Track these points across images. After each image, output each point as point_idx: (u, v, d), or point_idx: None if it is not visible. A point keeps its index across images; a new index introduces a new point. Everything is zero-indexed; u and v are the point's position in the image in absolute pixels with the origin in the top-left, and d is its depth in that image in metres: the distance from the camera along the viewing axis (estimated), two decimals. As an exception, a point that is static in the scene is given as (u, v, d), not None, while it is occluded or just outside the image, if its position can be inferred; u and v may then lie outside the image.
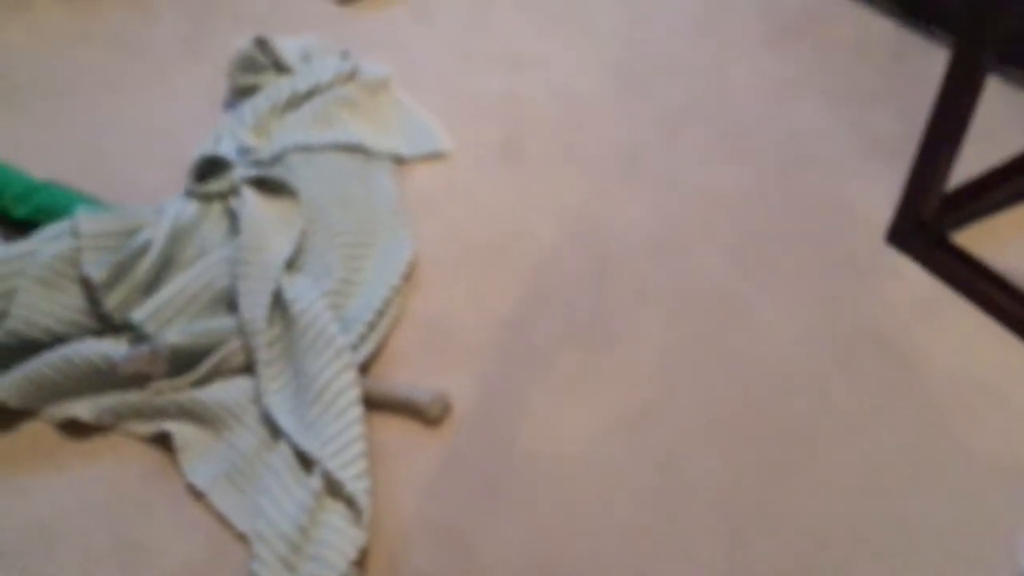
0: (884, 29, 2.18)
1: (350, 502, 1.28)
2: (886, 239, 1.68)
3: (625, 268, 1.65)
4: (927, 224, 1.63)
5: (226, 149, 1.74)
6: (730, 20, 2.22)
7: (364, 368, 1.47)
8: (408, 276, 1.62)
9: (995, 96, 1.96)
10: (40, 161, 1.80)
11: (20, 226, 1.64)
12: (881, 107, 1.97)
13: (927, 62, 2.08)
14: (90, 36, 2.09)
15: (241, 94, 1.89)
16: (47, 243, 1.51)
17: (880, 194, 1.77)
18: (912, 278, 1.62)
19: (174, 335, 1.43)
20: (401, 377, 1.48)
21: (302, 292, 1.50)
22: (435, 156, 1.86)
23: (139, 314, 1.45)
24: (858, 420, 1.42)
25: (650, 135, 1.92)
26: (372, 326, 1.52)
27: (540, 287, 1.62)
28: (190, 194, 1.65)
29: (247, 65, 1.88)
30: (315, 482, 1.28)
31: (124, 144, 1.84)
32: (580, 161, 1.86)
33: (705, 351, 1.52)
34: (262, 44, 1.89)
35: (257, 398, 1.42)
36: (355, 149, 1.78)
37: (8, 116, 1.89)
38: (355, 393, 1.39)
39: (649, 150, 1.88)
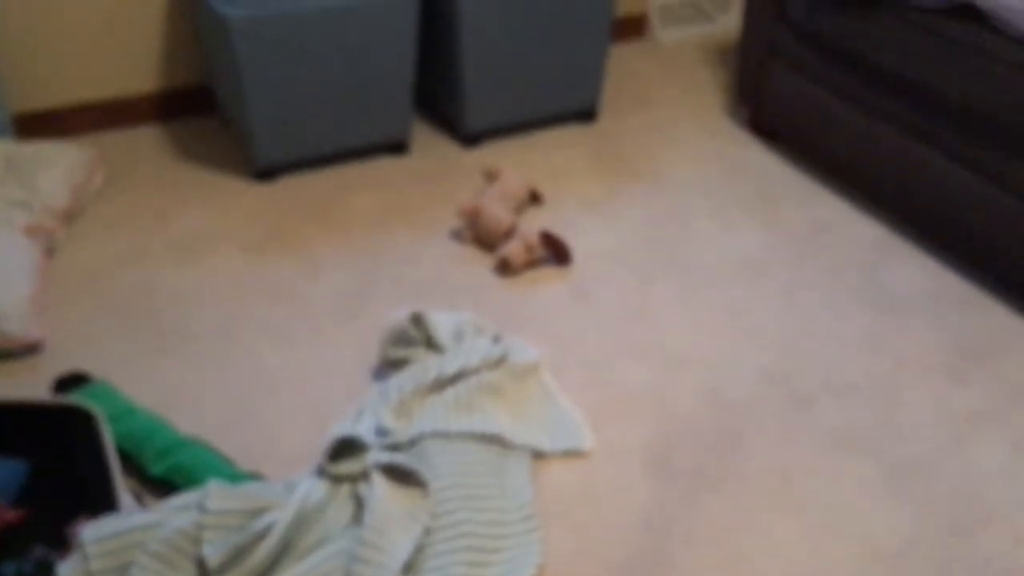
0: (1082, 365, 2.00)
1: None
2: (1084, 633, 1.45)
3: (770, 621, 1.48)
4: None
5: (365, 427, 1.71)
6: (905, 339, 2.08)
7: None
8: (530, 592, 1.51)
9: None
10: (190, 409, 1.82)
11: (154, 483, 1.65)
12: (1079, 463, 1.77)
13: None
14: (258, 285, 2.17)
15: (391, 366, 1.88)
16: (174, 514, 1.49)
17: (1076, 569, 1.55)
18: None
19: (274, 638, 1.35)
20: None
21: (414, 605, 1.41)
22: (575, 453, 1.77)
23: (245, 609, 1.39)
24: None
25: (810, 461, 1.77)
26: (483, 653, 1.40)
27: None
28: (321, 473, 1.62)
29: (400, 339, 1.89)
30: None
31: (273, 401, 1.85)
32: (730, 479, 1.72)
33: None
34: (416, 319, 1.90)
35: None
36: (493, 440, 1.72)
37: (168, 359, 1.95)
38: None
39: (807, 477, 1.73)
